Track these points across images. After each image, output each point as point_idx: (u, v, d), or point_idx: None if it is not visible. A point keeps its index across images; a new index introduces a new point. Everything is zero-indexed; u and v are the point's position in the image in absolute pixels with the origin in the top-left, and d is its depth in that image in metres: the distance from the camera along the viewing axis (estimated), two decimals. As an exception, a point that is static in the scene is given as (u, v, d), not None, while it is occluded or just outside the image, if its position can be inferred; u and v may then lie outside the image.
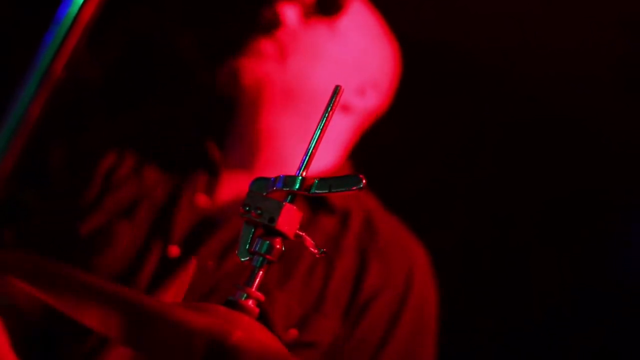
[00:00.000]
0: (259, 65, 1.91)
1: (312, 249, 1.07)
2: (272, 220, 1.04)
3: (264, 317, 1.06)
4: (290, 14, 1.92)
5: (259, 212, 1.05)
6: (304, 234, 1.06)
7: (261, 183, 1.09)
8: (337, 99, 1.09)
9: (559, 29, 2.29)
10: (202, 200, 1.85)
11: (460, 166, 2.47)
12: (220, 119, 2.00)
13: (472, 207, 2.42)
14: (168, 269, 1.73)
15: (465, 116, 2.44)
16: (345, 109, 1.94)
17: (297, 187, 1.06)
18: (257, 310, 1.04)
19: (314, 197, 1.70)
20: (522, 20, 2.30)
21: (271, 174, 1.87)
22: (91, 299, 0.93)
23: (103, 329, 0.92)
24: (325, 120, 1.08)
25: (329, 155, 1.95)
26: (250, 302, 1.04)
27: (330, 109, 1.08)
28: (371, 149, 2.11)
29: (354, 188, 1.03)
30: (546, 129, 2.40)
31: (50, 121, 0.99)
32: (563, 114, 2.37)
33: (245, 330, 0.95)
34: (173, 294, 1.71)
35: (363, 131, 2.05)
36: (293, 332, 1.69)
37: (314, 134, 1.07)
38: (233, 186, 1.89)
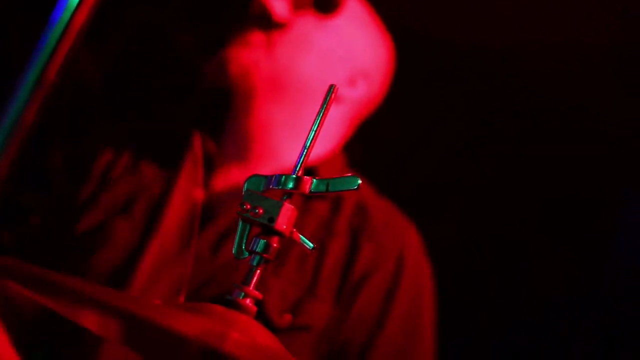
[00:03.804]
0: (246, 54, 1.91)
1: (303, 245, 1.07)
2: (272, 220, 1.05)
3: (259, 304, 1.06)
4: (278, 5, 1.92)
5: (257, 211, 1.05)
6: (294, 230, 1.06)
7: (256, 180, 1.09)
8: (332, 97, 1.09)
9: (559, 22, 2.28)
10: (197, 192, 1.86)
11: (459, 160, 2.46)
12: (214, 113, 2.01)
13: (471, 202, 2.42)
14: (164, 262, 1.75)
15: (465, 110, 2.44)
16: (336, 99, 1.94)
17: (292, 186, 1.06)
18: (255, 308, 1.04)
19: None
20: (523, 13, 2.29)
21: (265, 166, 1.90)
22: (85, 305, 0.93)
23: (102, 332, 0.92)
24: (320, 119, 1.08)
25: (321, 146, 1.94)
26: (247, 300, 1.04)
27: (325, 108, 1.08)
28: (371, 143, 2.11)
29: (351, 188, 1.03)
30: (547, 123, 2.39)
31: (48, 123, 0.99)
32: (564, 108, 2.37)
33: (242, 330, 0.96)
34: (171, 286, 1.73)
35: (358, 122, 2.05)
36: (287, 317, 1.71)
37: (309, 133, 1.07)
38: (228, 178, 1.91)
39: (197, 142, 1.94)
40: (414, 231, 1.91)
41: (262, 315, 1.64)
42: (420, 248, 1.90)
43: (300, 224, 1.07)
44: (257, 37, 1.92)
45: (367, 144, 2.11)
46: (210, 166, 1.92)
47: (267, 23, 1.92)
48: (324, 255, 1.78)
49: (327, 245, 1.80)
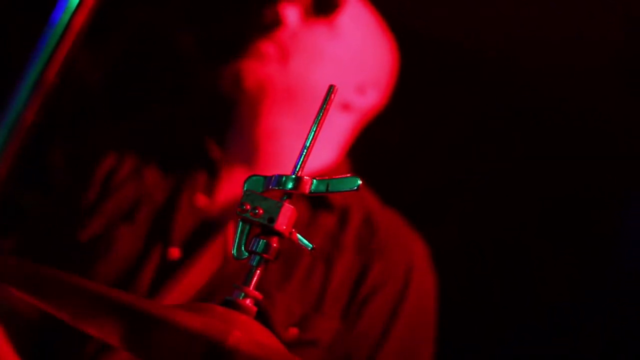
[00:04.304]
0: (260, 67, 1.90)
1: (302, 246, 1.06)
2: (272, 220, 1.04)
3: (264, 317, 1.06)
4: (291, 14, 1.92)
5: (257, 211, 1.04)
6: (293, 230, 1.06)
7: (256, 181, 1.09)
8: (331, 98, 1.09)
9: (561, 21, 2.28)
10: (201, 200, 1.85)
11: (462, 163, 2.46)
12: (221, 119, 2.00)
13: (473, 205, 2.41)
14: (169, 271, 1.74)
15: (468, 112, 2.44)
16: (346, 107, 1.94)
17: (292, 187, 1.05)
18: (255, 309, 1.04)
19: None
20: (525, 13, 2.29)
21: (271, 173, 1.88)
22: (90, 306, 0.93)
23: (103, 335, 0.92)
24: (320, 120, 1.08)
25: (327, 154, 1.95)
26: (248, 301, 1.04)
27: (325, 109, 1.08)
28: (374, 146, 2.11)
29: (351, 188, 1.03)
30: (549, 123, 2.39)
31: (48, 123, 0.99)
32: (566, 109, 2.37)
33: (243, 329, 0.95)
34: (176, 295, 1.72)
35: (361, 129, 2.05)
36: (293, 331, 1.70)
37: (309, 133, 1.07)
38: (233, 186, 1.89)
39: (202, 148, 1.93)
40: (420, 243, 1.91)
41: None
42: (427, 260, 1.90)
43: (307, 238, 1.06)
44: (270, 48, 1.91)
45: (367, 147, 2.10)
46: (215, 173, 1.90)
47: (280, 32, 1.91)
48: (330, 270, 1.77)
49: (334, 260, 1.79)
